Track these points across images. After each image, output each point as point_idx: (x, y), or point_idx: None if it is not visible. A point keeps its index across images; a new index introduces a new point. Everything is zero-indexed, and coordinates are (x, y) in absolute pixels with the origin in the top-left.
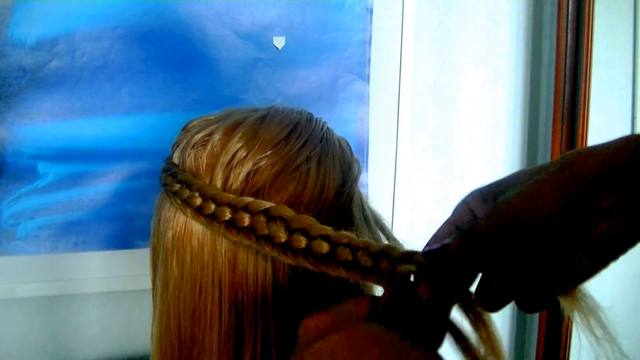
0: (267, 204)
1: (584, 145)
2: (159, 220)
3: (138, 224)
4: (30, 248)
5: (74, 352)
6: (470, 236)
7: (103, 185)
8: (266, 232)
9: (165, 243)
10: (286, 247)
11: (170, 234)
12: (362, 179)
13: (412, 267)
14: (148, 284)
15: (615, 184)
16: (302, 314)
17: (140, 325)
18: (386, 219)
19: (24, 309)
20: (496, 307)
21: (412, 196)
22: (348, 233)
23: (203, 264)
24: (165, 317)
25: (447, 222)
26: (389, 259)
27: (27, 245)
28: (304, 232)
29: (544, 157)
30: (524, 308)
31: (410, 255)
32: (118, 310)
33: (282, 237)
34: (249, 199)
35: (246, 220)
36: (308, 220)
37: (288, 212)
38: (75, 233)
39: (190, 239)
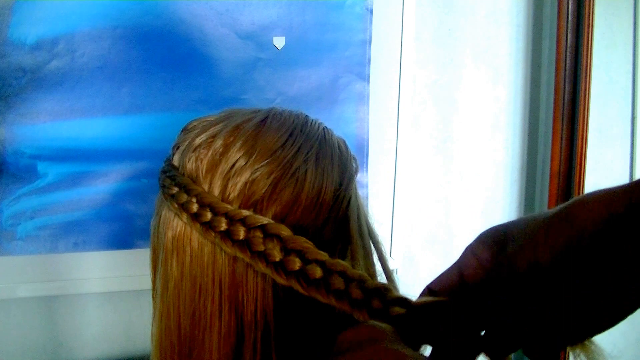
0: (265, 220)
1: (584, 145)
2: (159, 220)
3: (138, 224)
4: (30, 248)
5: (74, 352)
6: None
7: (103, 185)
8: (262, 248)
9: (165, 243)
10: (280, 267)
11: (170, 235)
12: (362, 179)
13: (403, 311)
14: (148, 284)
15: (619, 230)
16: (302, 315)
17: (140, 325)
18: (385, 221)
19: (24, 309)
20: (500, 356)
21: (412, 196)
22: (344, 262)
23: (203, 264)
24: (165, 317)
25: (453, 266)
26: (382, 299)
27: (27, 245)
28: (300, 254)
29: (544, 157)
30: (531, 356)
31: (404, 301)
32: (118, 310)
33: (277, 256)
34: (247, 213)
35: (241, 233)
36: (305, 243)
37: (285, 232)
38: (75, 233)
39: (190, 240)
